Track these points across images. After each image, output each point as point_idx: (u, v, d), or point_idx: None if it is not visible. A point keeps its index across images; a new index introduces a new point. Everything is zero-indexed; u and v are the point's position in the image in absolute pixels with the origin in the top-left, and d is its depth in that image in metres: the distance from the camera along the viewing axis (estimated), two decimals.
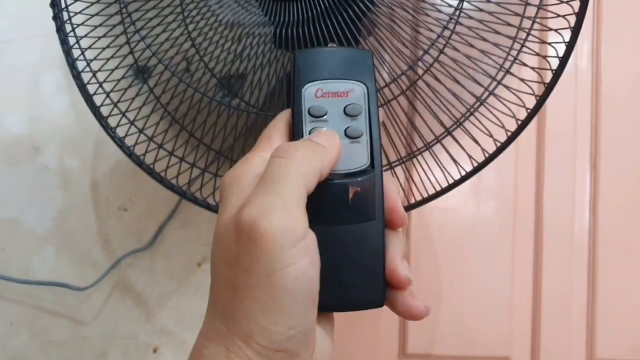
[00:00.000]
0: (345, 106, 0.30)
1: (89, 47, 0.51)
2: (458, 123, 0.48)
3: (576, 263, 0.69)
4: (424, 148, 0.50)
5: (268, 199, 0.27)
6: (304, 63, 0.30)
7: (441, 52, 0.47)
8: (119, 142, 0.51)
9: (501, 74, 0.48)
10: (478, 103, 0.48)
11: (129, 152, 0.51)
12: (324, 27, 0.47)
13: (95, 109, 0.51)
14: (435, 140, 0.50)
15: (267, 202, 0.27)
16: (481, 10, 0.46)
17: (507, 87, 0.48)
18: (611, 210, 0.69)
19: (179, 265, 0.69)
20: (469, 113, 0.48)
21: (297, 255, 0.27)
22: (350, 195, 0.28)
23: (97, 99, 0.51)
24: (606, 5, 0.69)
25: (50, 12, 0.50)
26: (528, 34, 0.47)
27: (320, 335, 0.30)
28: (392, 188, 0.31)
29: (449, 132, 0.49)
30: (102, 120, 0.51)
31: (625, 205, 0.69)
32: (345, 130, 0.29)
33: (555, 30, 0.45)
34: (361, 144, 0.29)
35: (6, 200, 0.68)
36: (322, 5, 0.48)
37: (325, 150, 0.29)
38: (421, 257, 0.69)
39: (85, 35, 0.50)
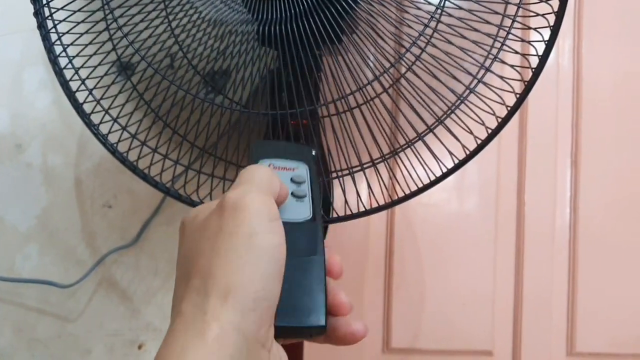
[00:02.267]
0: (292, 176, 0.37)
1: (71, 44, 0.50)
2: (439, 121, 0.49)
3: (557, 258, 0.70)
4: (406, 145, 0.51)
5: (245, 187, 0.32)
6: (260, 147, 0.39)
7: (423, 50, 0.48)
8: (102, 140, 0.51)
9: (482, 72, 0.48)
10: (459, 101, 0.49)
11: (112, 150, 0.51)
12: (307, 24, 0.47)
13: (78, 106, 0.51)
14: (417, 138, 0.50)
15: (245, 189, 0.32)
16: (462, 8, 0.47)
17: (487, 85, 0.48)
18: (591, 206, 0.70)
19: (164, 261, 0.69)
20: (450, 111, 0.49)
21: (274, 229, 0.31)
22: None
23: (80, 96, 0.51)
24: (587, 4, 0.70)
25: (31, 8, 0.50)
26: (508, 33, 0.47)
27: (277, 347, 0.32)
28: (336, 289, 0.35)
29: (430, 129, 0.49)
30: (85, 117, 0.51)
31: (605, 202, 0.70)
32: (292, 192, 0.36)
33: (535, 29, 0.46)
34: (305, 203, 0.36)
35: None
36: (306, 3, 0.48)
37: (276, 176, 0.35)
38: (404, 253, 0.69)
39: (68, 32, 0.50)
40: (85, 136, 0.67)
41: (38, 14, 0.49)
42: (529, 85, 0.46)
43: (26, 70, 0.67)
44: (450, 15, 0.47)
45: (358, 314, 0.69)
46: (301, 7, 0.48)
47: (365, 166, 0.52)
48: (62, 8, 0.50)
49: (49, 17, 0.50)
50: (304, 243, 0.34)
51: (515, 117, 0.48)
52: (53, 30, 0.50)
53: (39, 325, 0.68)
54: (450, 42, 0.47)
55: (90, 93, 0.50)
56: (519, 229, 0.70)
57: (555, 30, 0.45)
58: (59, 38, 0.50)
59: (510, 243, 0.70)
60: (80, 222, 0.69)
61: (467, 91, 0.48)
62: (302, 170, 0.38)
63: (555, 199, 0.70)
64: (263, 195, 0.32)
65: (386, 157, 0.51)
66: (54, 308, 0.68)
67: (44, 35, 0.50)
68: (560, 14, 0.45)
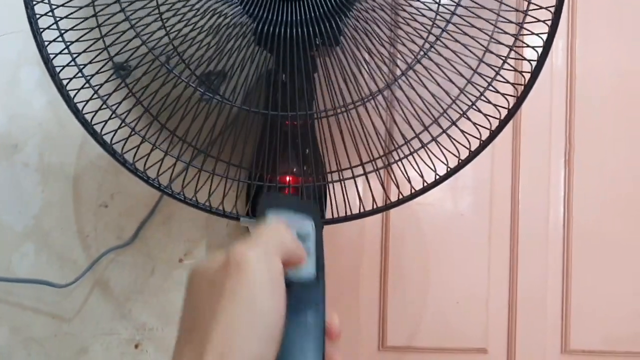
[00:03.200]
0: (297, 232, 0.37)
1: (76, 41, 0.50)
2: (443, 130, 0.49)
3: (551, 257, 0.70)
4: (402, 157, 0.51)
5: (252, 243, 0.32)
6: (268, 199, 0.40)
7: (423, 53, 0.48)
8: (101, 141, 0.51)
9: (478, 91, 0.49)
10: (459, 100, 0.49)
11: (112, 151, 0.51)
12: (306, 26, 0.47)
13: (77, 111, 0.50)
14: (410, 153, 0.51)
15: (252, 245, 0.32)
16: (460, 15, 0.47)
17: (490, 85, 0.49)
18: (585, 205, 0.70)
19: (160, 261, 0.69)
20: (449, 126, 0.49)
21: (275, 292, 0.31)
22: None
23: (76, 97, 0.51)
24: (580, 3, 0.71)
25: None
26: (519, 34, 0.47)
27: None
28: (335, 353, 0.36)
29: (424, 146, 0.50)
30: (82, 117, 0.51)
31: (599, 201, 0.70)
32: None
33: (537, 34, 0.46)
34: (309, 261, 0.36)
35: None
36: (309, 10, 0.48)
37: (293, 237, 0.35)
38: (400, 251, 0.70)
39: (71, 29, 0.50)
40: (81, 136, 0.67)
41: (28, 6, 0.48)
42: (527, 87, 0.47)
43: (23, 70, 0.67)
44: (448, 20, 0.48)
45: (354, 312, 0.69)
46: (305, 15, 0.48)
47: (366, 169, 0.52)
48: (61, 5, 0.49)
49: (49, 14, 0.49)
50: (305, 303, 0.34)
51: None
52: (53, 27, 0.49)
53: (35, 325, 0.68)
54: (450, 46, 0.47)
55: (96, 92, 0.50)
56: (513, 228, 0.71)
57: (553, 27, 0.45)
58: (61, 35, 0.49)
59: (504, 241, 0.70)
60: (76, 222, 0.68)
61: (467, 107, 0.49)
62: (307, 226, 0.38)
63: (549, 198, 0.70)
64: (269, 254, 0.32)
65: (383, 159, 0.52)
66: (50, 307, 0.68)
67: (35, 30, 0.49)
68: (558, 12, 0.45)
